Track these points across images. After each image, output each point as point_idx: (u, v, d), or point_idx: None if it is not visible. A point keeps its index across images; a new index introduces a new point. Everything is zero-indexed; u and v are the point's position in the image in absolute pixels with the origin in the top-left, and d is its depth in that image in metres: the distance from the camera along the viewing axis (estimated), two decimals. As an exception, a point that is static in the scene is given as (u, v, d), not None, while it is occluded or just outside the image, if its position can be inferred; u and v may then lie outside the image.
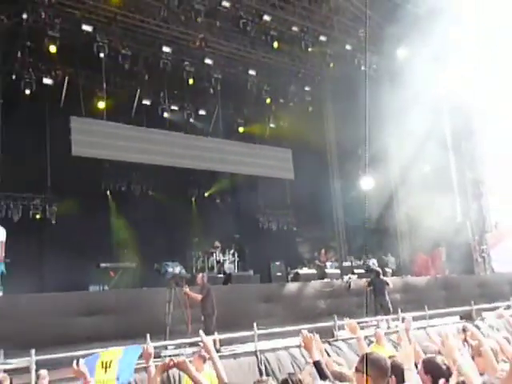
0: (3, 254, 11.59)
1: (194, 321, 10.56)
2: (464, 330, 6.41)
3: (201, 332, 4.47)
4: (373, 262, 16.70)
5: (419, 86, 17.20)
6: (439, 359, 4.47)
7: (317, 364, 4.58)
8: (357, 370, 3.74)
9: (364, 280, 14.89)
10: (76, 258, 15.80)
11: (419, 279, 18.04)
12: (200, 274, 11.85)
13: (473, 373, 4.15)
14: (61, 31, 16.36)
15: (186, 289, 10.97)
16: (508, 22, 16.52)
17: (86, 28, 16.95)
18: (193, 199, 23.19)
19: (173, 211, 20.27)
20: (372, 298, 13.95)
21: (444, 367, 4.34)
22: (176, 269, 11.23)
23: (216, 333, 9.85)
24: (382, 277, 14.25)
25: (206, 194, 23.89)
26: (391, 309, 13.07)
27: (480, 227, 21.57)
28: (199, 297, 10.88)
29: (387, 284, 13.96)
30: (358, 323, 11.33)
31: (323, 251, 20.09)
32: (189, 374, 3.96)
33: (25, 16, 15.98)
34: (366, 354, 3.94)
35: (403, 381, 3.96)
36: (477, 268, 21.07)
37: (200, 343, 8.62)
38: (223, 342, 9.53)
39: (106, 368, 5.67)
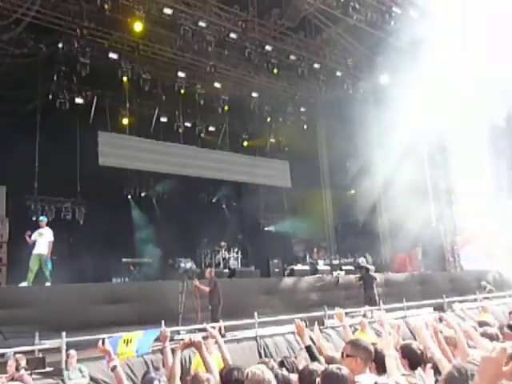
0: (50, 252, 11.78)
1: (203, 310, 10.63)
2: (440, 320, 6.39)
3: (206, 325, 4.51)
4: (362, 260, 16.66)
5: (399, 108, 17.28)
6: (414, 345, 4.48)
7: (308, 348, 4.63)
8: (345, 355, 3.75)
9: (355, 276, 14.90)
10: (101, 253, 15.84)
11: (398, 275, 18.02)
12: (208, 269, 11.88)
13: (444, 358, 4.17)
14: (91, 58, 16.46)
15: (196, 282, 11.00)
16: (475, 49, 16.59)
17: (113, 55, 17.07)
18: (202, 204, 23.22)
19: (185, 214, 20.31)
20: (362, 292, 13.92)
21: (419, 352, 4.35)
22: (187, 264, 11.26)
23: (221, 320, 9.87)
24: (371, 272, 14.22)
25: (214, 200, 23.93)
26: (378, 301, 13.04)
27: (451, 231, 21.60)
28: (207, 289, 10.92)
29: (375, 279, 13.97)
30: (349, 313, 11.43)
31: (315, 250, 20.12)
32: (201, 353, 4.03)
33: (60, 45, 16.15)
34: (354, 339, 3.98)
35: (384, 366, 3.97)
36: (448, 266, 21.08)
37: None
38: (228, 329, 9.54)
39: (127, 343, 5.73)
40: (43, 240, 11.80)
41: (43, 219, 12.55)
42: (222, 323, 9.40)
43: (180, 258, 11.74)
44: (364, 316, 11.77)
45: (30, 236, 11.78)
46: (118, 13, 15.42)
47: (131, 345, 6.06)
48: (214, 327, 4.53)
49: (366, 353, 3.69)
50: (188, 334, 9.13)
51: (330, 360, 4.42)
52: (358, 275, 14.70)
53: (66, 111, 17.51)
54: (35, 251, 11.66)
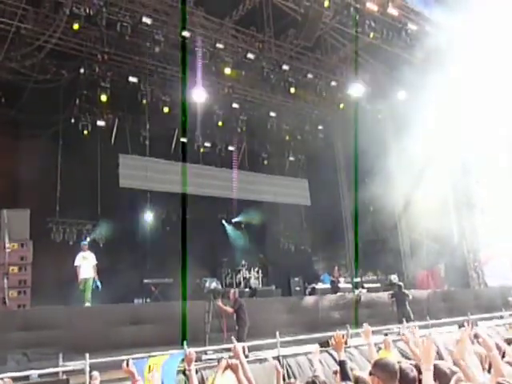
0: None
1: (230, 329, 10.61)
2: (476, 336, 6.21)
3: (233, 338, 4.49)
4: (394, 277, 16.48)
5: (418, 124, 17.21)
6: (443, 364, 4.34)
7: (341, 363, 4.55)
8: (370, 373, 3.73)
9: (387, 293, 14.80)
10: (122, 275, 15.89)
11: (421, 292, 17.74)
12: (232, 290, 11.90)
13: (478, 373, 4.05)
14: (111, 82, 16.80)
15: (219, 302, 11.03)
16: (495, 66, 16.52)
17: (132, 79, 17.37)
18: (223, 224, 23.23)
19: (205, 235, 20.32)
20: (395, 309, 13.91)
21: (448, 371, 4.21)
22: (212, 284, 11.34)
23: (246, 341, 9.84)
24: (403, 290, 14.26)
25: (235, 220, 23.93)
26: (412, 317, 13.12)
27: (474, 247, 21.25)
28: (230, 310, 10.93)
29: (408, 296, 13.96)
30: (373, 331, 11.25)
31: (336, 268, 19.93)
32: (237, 376, 4.04)
33: (82, 70, 16.49)
34: (378, 358, 3.92)
35: None
36: (472, 282, 20.69)
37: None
38: (250, 349, 9.47)
39: (151, 370, 5.70)
40: (88, 264, 12.63)
41: (85, 243, 13.29)
42: (245, 343, 9.37)
43: (206, 277, 11.84)
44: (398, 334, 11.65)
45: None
46: (137, 37, 15.71)
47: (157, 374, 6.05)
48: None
49: (384, 372, 3.63)
50: (215, 354, 9.23)
51: (356, 380, 4.35)
52: (390, 292, 14.65)
53: (87, 134, 17.80)
54: (82, 276, 12.51)
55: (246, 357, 8.86)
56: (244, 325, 10.75)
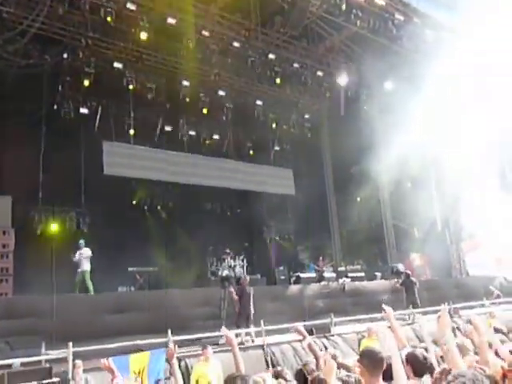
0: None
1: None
2: (470, 322, 6.26)
3: (223, 328, 4.47)
4: (401, 266, 16.67)
5: (404, 114, 17.27)
6: (419, 352, 4.38)
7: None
8: (358, 361, 3.74)
9: (395, 281, 15.22)
10: (106, 263, 15.80)
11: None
12: (242, 277, 11.99)
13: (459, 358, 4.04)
14: (95, 68, 16.58)
15: (231, 288, 11.34)
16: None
17: (117, 65, 17.17)
18: (207, 212, 23.17)
19: (189, 223, 20.27)
20: (404, 296, 14.21)
21: (422, 358, 4.24)
22: (225, 271, 11.72)
23: (252, 326, 10.38)
24: (411, 278, 14.55)
25: (219, 208, 23.88)
26: (419, 304, 13.63)
27: (457, 236, 21.50)
28: (235, 297, 11.12)
29: (415, 284, 14.31)
30: (358, 320, 11.40)
31: (320, 258, 20.04)
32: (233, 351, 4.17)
33: (65, 55, 16.24)
34: (363, 348, 3.93)
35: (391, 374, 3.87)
36: (454, 272, 20.97)
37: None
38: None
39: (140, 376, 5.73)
40: (85, 258, 13.40)
41: (82, 243, 13.90)
42: (239, 330, 9.94)
43: (217, 265, 12.00)
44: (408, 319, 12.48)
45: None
46: (121, 23, 15.50)
47: (144, 374, 6.08)
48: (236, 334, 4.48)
49: (369, 361, 3.65)
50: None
51: (345, 368, 4.37)
52: (396, 280, 15.13)
53: (70, 121, 17.60)
54: (79, 269, 13.32)
55: (242, 343, 9.10)
56: (243, 312, 10.91)
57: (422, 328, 6.66)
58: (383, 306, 4.85)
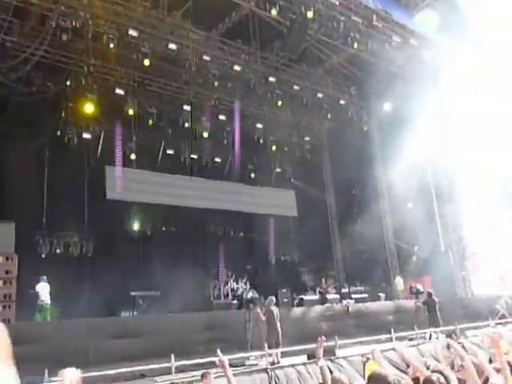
0: None
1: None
2: (448, 347, 6.27)
3: (218, 351, 4.46)
4: (420, 286, 16.63)
5: (404, 134, 17.38)
6: (435, 377, 4.32)
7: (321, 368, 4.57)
8: None
9: (415, 301, 15.26)
10: (109, 287, 15.77)
11: (409, 302, 17.77)
12: (269, 298, 12.01)
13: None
14: (98, 94, 16.77)
15: (257, 309, 11.49)
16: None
17: (119, 91, 17.39)
18: (210, 235, 23.14)
19: (192, 246, 20.25)
20: (426, 315, 14.24)
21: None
22: (249, 294, 11.81)
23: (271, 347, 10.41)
24: (433, 297, 14.55)
25: (222, 231, 23.84)
26: (440, 322, 13.64)
27: (460, 256, 21.39)
28: (263, 318, 11.25)
29: (436, 303, 14.37)
30: (362, 342, 11.33)
31: (323, 280, 19.95)
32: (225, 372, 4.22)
33: (68, 83, 16.46)
34: (372, 372, 3.88)
35: None
36: (459, 291, 20.80)
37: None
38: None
39: None
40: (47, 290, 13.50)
41: (44, 278, 13.77)
42: (271, 350, 10.20)
43: (243, 288, 12.01)
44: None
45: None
46: (123, 49, 15.73)
47: None
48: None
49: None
50: (256, 360, 9.71)
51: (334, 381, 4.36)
52: (416, 300, 15.20)
53: (73, 147, 17.71)
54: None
55: (277, 363, 9.41)
56: (271, 332, 11.02)
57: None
58: (395, 344, 4.81)
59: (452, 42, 17.09)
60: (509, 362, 4.66)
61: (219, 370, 8.08)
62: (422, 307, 14.54)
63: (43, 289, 13.45)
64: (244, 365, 9.37)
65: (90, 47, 15.60)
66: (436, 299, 14.55)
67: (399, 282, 20.26)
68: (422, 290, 15.53)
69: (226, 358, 4.39)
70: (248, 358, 9.75)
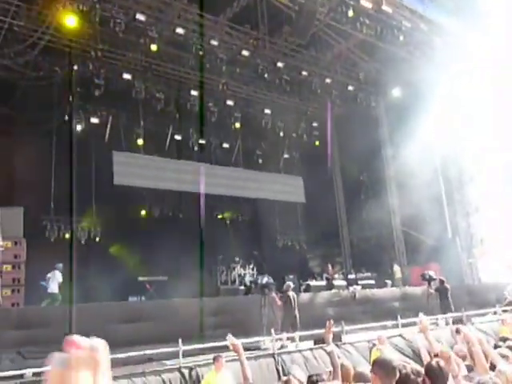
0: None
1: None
2: (457, 332, 6.27)
3: (230, 335, 4.44)
4: (432, 273, 16.66)
5: (412, 121, 17.24)
6: (435, 363, 4.33)
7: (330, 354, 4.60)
8: (371, 371, 3.72)
9: (427, 287, 15.22)
10: (117, 272, 15.87)
11: (416, 289, 17.78)
12: (286, 283, 12.19)
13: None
14: (105, 79, 16.73)
15: (273, 294, 11.65)
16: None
17: (126, 76, 17.34)
18: (218, 221, 23.21)
19: (199, 232, 20.29)
20: (438, 301, 14.37)
21: (440, 369, 4.19)
22: (264, 279, 11.91)
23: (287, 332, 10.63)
24: (445, 284, 14.66)
25: (229, 217, 23.92)
26: (452, 309, 13.77)
27: (468, 243, 21.32)
28: (279, 303, 11.41)
29: (448, 290, 14.49)
30: (368, 328, 11.36)
31: (330, 265, 19.97)
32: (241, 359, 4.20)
33: (75, 67, 16.43)
34: (376, 357, 3.89)
35: None
36: (466, 278, 20.77)
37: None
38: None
39: None
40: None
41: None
42: (287, 334, 10.44)
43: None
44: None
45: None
46: (130, 34, 15.64)
47: None
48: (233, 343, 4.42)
49: (382, 369, 3.62)
50: (271, 343, 9.66)
51: (360, 377, 4.34)
52: (428, 286, 15.12)
53: (81, 132, 17.73)
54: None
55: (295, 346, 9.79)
56: (288, 317, 11.13)
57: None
58: (420, 316, 4.78)
59: (463, 28, 16.85)
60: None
61: (229, 354, 8.18)
62: (434, 294, 14.59)
63: (54, 278, 13.28)
64: (259, 348, 9.64)
65: (97, 32, 15.52)
66: (448, 286, 14.61)
67: (397, 270, 20.27)
68: (434, 277, 15.52)
69: (239, 342, 4.37)
70: (264, 343, 9.99)
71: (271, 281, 12.26)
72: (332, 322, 4.97)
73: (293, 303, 11.32)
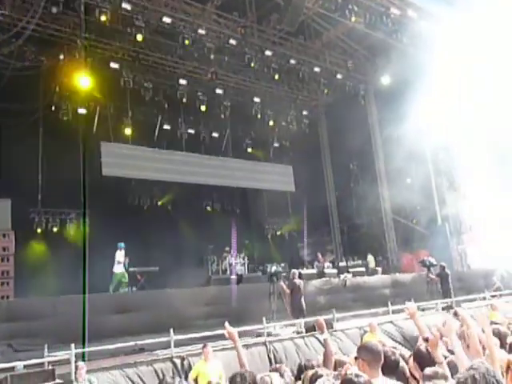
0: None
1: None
2: (455, 314, 6.32)
3: (226, 323, 4.44)
4: (432, 259, 16.79)
5: (401, 108, 17.26)
6: (423, 347, 4.37)
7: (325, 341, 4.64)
8: (356, 358, 3.73)
9: (430, 273, 15.34)
10: (107, 263, 15.78)
11: (406, 276, 17.94)
12: (292, 271, 12.18)
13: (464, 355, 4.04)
14: (92, 68, 16.55)
15: (281, 282, 11.69)
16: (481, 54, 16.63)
17: (114, 65, 17.16)
18: (207, 211, 23.15)
19: (189, 222, 20.27)
20: (439, 287, 14.56)
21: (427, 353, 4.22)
22: (273, 267, 12.05)
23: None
24: (446, 270, 14.84)
25: (219, 206, 23.86)
26: (452, 294, 14.08)
27: (457, 229, 21.50)
28: (287, 290, 11.46)
29: (449, 275, 14.69)
30: (359, 315, 11.46)
31: (320, 254, 20.05)
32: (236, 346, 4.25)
33: (62, 57, 16.21)
34: (362, 343, 3.93)
35: (392, 369, 3.87)
36: (455, 265, 20.95)
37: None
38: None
39: None
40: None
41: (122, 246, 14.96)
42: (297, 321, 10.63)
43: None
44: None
45: None
46: (117, 23, 15.47)
47: None
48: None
49: (368, 354, 3.65)
50: (281, 329, 10.09)
51: (339, 364, 4.37)
52: (429, 273, 15.33)
53: (68, 122, 17.55)
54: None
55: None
56: (295, 304, 11.29)
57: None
58: (407, 303, 4.80)
59: (452, 14, 16.82)
60: (497, 330, 4.72)
61: (223, 343, 8.21)
62: (436, 279, 14.79)
63: (119, 257, 14.47)
64: (270, 334, 9.90)
65: (82, 20, 15.31)
66: (448, 272, 14.83)
67: (371, 259, 20.39)
68: (434, 263, 15.67)
69: (235, 331, 4.38)
70: (274, 328, 10.30)
71: (280, 269, 12.48)
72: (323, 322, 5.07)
73: (299, 291, 11.48)
